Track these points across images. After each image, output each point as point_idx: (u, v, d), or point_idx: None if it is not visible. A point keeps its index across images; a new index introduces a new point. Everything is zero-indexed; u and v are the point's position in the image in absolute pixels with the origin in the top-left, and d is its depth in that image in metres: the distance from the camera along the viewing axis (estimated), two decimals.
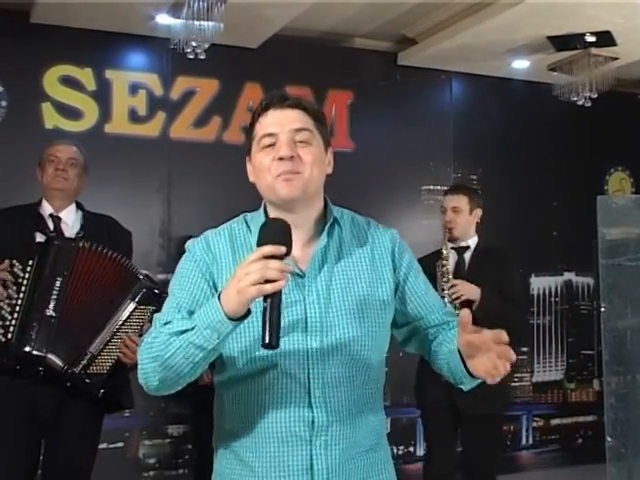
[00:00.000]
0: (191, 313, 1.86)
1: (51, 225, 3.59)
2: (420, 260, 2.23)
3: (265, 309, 1.69)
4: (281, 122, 1.94)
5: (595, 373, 7.12)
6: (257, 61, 6.01)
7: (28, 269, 3.34)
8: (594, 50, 5.85)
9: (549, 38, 5.83)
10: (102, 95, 5.73)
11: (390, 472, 2.04)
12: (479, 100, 6.90)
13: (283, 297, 1.73)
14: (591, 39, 5.73)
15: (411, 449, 6.43)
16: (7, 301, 3.31)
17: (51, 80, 5.61)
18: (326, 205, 2.04)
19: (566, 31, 5.69)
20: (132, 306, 3.41)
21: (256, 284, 1.66)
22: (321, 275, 1.94)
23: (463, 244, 4.49)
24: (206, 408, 4.82)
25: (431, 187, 6.67)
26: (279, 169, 1.90)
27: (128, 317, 3.40)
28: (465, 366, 1.86)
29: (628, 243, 4.55)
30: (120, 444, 5.68)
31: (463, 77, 6.84)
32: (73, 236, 3.56)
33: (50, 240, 3.45)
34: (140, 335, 3.36)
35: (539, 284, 7.01)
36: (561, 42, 5.85)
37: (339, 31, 6.33)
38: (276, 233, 1.75)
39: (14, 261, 3.33)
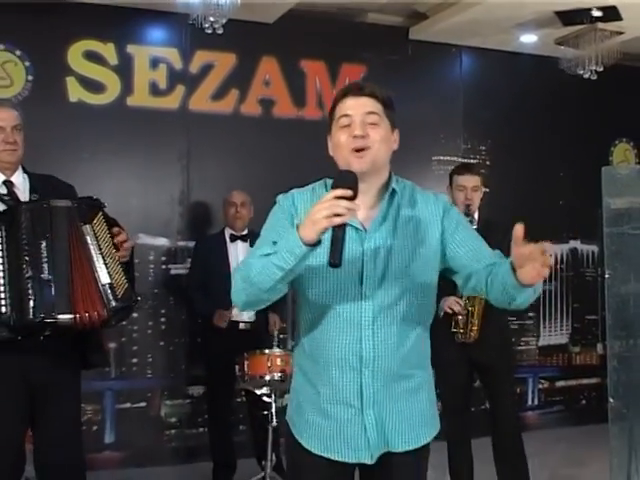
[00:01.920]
0: (276, 243, 2.25)
1: (4, 190, 3.41)
2: None
3: (333, 237, 2.10)
4: (356, 107, 2.36)
5: (599, 337, 7.22)
6: (273, 36, 6.12)
7: None
8: (600, 25, 5.91)
9: (556, 13, 5.91)
10: (124, 69, 5.86)
11: (427, 392, 2.45)
12: (488, 73, 6.97)
13: (346, 249, 2.14)
14: (597, 14, 5.80)
15: None
16: None
17: (75, 55, 5.74)
18: (390, 177, 2.45)
19: (573, 6, 5.76)
20: (89, 227, 3.34)
21: (328, 217, 2.06)
22: (379, 233, 2.36)
23: (470, 219, 4.70)
24: (221, 372, 5.07)
25: (441, 158, 6.79)
26: (353, 145, 2.33)
27: (96, 237, 3.33)
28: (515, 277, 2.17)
29: (632, 212, 4.53)
30: (143, 404, 5.89)
31: (473, 51, 6.92)
32: (27, 199, 3.43)
33: (17, 207, 3.31)
34: (112, 236, 3.37)
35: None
36: (568, 17, 5.92)
37: (353, 6, 6.38)
38: (346, 180, 2.17)
39: None
